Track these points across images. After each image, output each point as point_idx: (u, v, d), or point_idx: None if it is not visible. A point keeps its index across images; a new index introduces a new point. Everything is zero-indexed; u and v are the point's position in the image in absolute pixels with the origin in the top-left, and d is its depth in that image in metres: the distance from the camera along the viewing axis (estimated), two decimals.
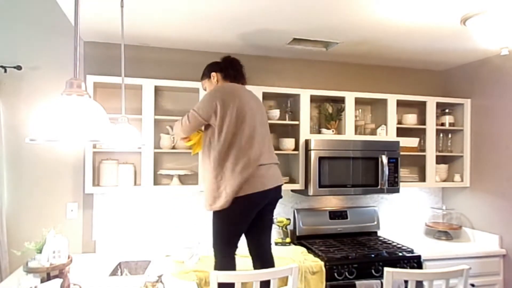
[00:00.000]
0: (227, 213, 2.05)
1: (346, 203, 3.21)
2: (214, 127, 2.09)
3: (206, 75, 2.34)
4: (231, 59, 2.34)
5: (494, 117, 2.96)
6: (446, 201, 3.39)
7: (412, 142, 3.11)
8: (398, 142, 2.91)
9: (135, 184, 2.64)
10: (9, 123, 2.47)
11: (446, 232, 3.15)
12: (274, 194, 2.16)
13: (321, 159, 2.71)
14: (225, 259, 2.09)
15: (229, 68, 2.30)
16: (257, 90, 2.71)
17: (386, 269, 1.82)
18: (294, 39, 2.61)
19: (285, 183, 2.82)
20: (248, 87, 2.70)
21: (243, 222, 2.10)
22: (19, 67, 2.48)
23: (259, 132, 2.15)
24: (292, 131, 2.96)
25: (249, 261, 2.25)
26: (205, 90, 2.37)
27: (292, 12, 2.13)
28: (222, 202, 2.03)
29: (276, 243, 2.89)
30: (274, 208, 2.24)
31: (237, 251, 2.15)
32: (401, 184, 2.94)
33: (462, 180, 3.16)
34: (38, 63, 2.54)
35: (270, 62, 3.06)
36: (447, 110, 3.23)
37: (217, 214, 2.08)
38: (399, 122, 3.10)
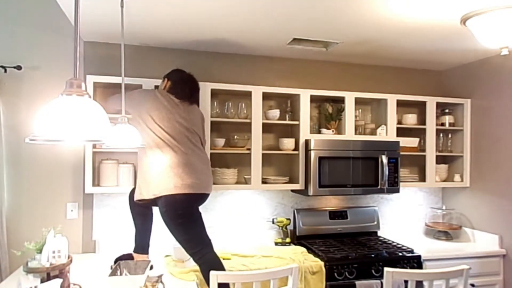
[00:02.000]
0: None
1: (346, 203, 3.21)
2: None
3: (163, 76, 2.35)
4: (188, 79, 2.32)
5: (494, 117, 2.96)
6: (446, 201, 3.39)
7: (412, 142, 3.11)
8: (398, 142, 2.91)
9: (135, 184, 2.63)
10: (9, 123, 2.47)
11: (446, 232, 3.15)
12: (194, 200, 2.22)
13: (321, 159, 2.71)
14: (207, 257, 2.09)
15: (178, 87, 2.27)
16: (257, 90, 2.71)
17: (386, 269, 1.82)
18: (294, 39, 2.61)
19: (285, 183, 2.83)
20: (248, 87, 2.71)
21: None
22: (19, 67, 2.48)
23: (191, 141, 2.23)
24: (292, 131, 2.96)
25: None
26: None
27: (292, 12, 2.13)
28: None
29: (276, 243, 2.90)
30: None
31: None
32: (401, 184, 2.94)
33: (462, 180, 3.16)
34: (38, 63, 2.54)
35: (270, 62, 3.06)
36: (447, 110, 3.23)
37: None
38: (399, 122, 3.10)
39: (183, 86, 2.27)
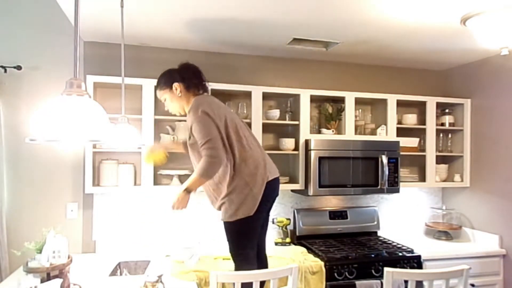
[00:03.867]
0: (249, 221, 2.04)
1: (346, 203, 3.20)
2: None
3: (166, 85, 2.16)
4: (192, 66, 2.20)
5: (494, 117, 2.96)
6: (446, 201, 3.39)
7: (412, 142, 3.11)
8: (398, 142, 2.91)
9: (135, 184, 2.63)
10: (9, 123, 2.47)
11: (446, 232, 3.15)
12: (277, 187, 2.19)
13: (321, 159, 2.71)
14: (245, 261, 2.06)
15: (192, 78, 2.16)
16: (257, 90, 2.71)
17: (386, 269, 1.82)
18: (294, 39, 2.60)
19: (285, 183, 2.83)
20: (248, 87, 2.71)
21: (259, 223, 2.13)
22: (19, 67, 2.48)
23: (250, 135, 2.19)
24: (292, 131, 2.96)
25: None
26: (163, 101, 2.22)
27: (292, 12, 2.13)
28: (249, 209, 2.02)
29: (276, 243, 2.89)
30: (271, 206, 2.24)
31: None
32: (401, 184, 2.94)
33: (462, 180, 3.16)
34: (38, 63, 2.54)
35: (270, 62, 3.06)
36: (447, 110, 3.23)
37: (235, 223, 2.05)
38: (399, 122, 3.10)
39: (195, 81, 2.17)
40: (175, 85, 2.14)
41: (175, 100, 2.17)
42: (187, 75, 2.16)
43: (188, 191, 2.01)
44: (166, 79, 2.18)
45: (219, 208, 2.12)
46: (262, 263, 2.21)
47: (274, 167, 2.20)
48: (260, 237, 2.21)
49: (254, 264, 2.06)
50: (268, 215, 2.25)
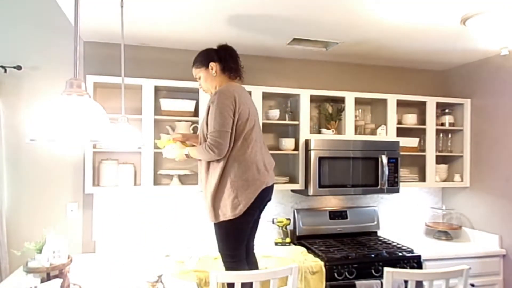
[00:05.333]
0: (238, 221, 2.02)
1: (346, 203, 3.20)
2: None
3: (202, 63, 2.15)
4: (230, 49, 2.18)
5: (494, 117, 2.96)
6: (446, 201, 3.39)
7: (412, 142, 3.11)
8: (398, 142, 2.91)
9: (135, 184, 2.63)
10: (9, 123, 2.47)
11: (446, 232, 3.15)
12: (271, 193, 2.17)
13: (321, 159, 2.71)
14: (235, 263, 2.06)
15: (229, 61, 2.13)
16: (257, 90, 2.71)
17: (386, 269, 1.82)
18: (294, 39, 2.61)
19: (285, 183, 2.83)
20: (248, 87, 2.70)
21: (248, 227, 2.11)
22: (19, 67, 2.48)
23: (260, 136, 2.17)
24: (292, 131, 2.96)
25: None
26: (198, 79, 2.21)
27: (292, 12, 2.13)
28: (237, 210, 1.99)
29: (276, 243, 2.89)
30: (263, 210, 2.23)
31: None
32: (401, 184, 2.94)
33: (462, 180, 3.16)
34: (38, 63, 2.54)
35: (270, 62, 3.06)
36: (447, 110, 3.23)
37: (225, 224, 2.04)
38: (399, 122, 3.10)
39: (232, 65, 2.15)
40: (211, 64, 2.13)
41: (209, 80, 2.16)
42: (224, 57, 2.14)
43: (187, 156, 2.16)
44: (203, 57, 2.17)
45: (208, 209, 2.10)
46: (252, 263, 2.19)
47: (272, 174, 2.18)
48: (250, 242, 2.21)
49: (243, 265, 2.06)
50: (259, 218, 2.23)
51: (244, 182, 2.00)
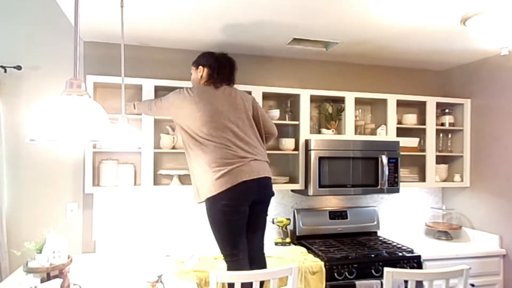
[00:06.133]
0: (217, 212, 2.05)
1: (346, 203, 3.21)
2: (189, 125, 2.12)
3: (196, 63, 2.29)
4: (229, 62, 2.26)
5: (494, 117, 2.96)
6: (446, 201, 3.39)
7: (412, 142, 3.11)
8: (398, 142, 2.91)
9: (135, 184, 2.64)
10: (9, 123, 2.47)
11: (446, 232, 3.15)
12: (263, 189, 2.14)
13: (321, 159, 2.71)
14: (233, 262, 2.07)
15: (220, 73, 2.21)
16: (257, 90, 2.71)
17: (386, 269, 1.82)
18: (294, 39, 2.61)
19: (285, 183, 2.83)
20: (248, 87, 2.71)
21: (235, 219, 2.08)
22: (19, 67, 2.48)
23: (235, 130, 2.14)
24: (292, 131, 2.96)
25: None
26: (190, 74, 2.34)
27: (292, 12, 2.13)
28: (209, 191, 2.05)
29: (276, 243, 2.89)
30: (266, 207, 2.23)
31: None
32: (401, 184, 2.94)
33: (462, 180, 3.16)
34: (38, 63, 2.54)
35: (270, 62, 3.06)
36: (447, 110, 3.23)
37: (211, 218, 2.09)
38: (399, 122, 3.10)
39: (222, 76, 2.22)
40: (200, 68, 2.26)
41: (195, 79, 2.30)
42: (217, 65, 2.22)
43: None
44: (199, 59, 2.30)
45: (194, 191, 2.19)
46: (258, 264, 2.18)
47: (259, 168, 2.14)
48: (253, 239, 2.20)
49: (243, 265, 2.06)
50: (260, 217, 2.22)
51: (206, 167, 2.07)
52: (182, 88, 2.21)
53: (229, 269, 2.06)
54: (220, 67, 2.22)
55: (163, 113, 2.29)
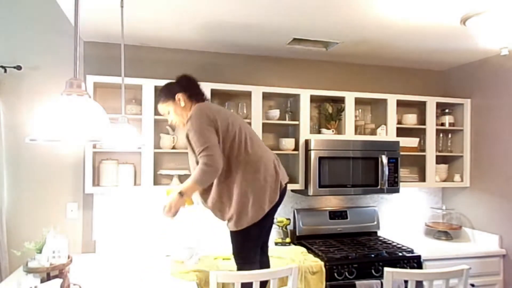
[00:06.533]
0: (254, 227, 2.03)
1: (346, 203, 3.20)
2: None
3: (168, 97, 2.14)
4: (189, 77, 2.21)
5: (494, 117, 2.96)
6: (446, 201, 3.39)
7: (412, 142, 3.11)
8: (398, 142, 2.91)
9: (135, 184, 2.64)
10: (9, 123, 2.47)
11: (446, 232, 3.15)
12: (284, 191, 2.18)
13: (321, 159, 2.71)
14: (248, 264, 2.05)
15: (192, 88, 2.17)
16: (257, 90, 2.71)
17: (386, 269, 1.82)
18: (294, 39, 2.61)
19: (285, 183, 2.82)
20: (248, 87, 2.71)
21: (261, 233, 2.13)
22: (19, 67, 2.48)
23: (256, 137, 2.17)
24: (292, 131, 2.96)
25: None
26: (167, 114, 2.19)
27: (292, 12, 2.13)
28: (252, 217, 2.00)
29: (276, 243, 2.89)
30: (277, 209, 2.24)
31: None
32: (401, 184, 2.94)
33: (462, 180, 3.16)
34: (38, 63, 2.54)
35: (270, 62, 3.06)
36: (447, 110, 3.23)
37: (239, 233, 2.04)
38: (399, 122, 3.10)
39: (196, 90, 2.18)
40: (178, 95, 2.13)
41: (178, 111, 2.15)
42: (188, 85, 2.17)
43: (181, 194, 1.97)
44: (167, 92, 2.16)
45: (226, 219, 2.09)
46: (264, 264, 2.20)
47: (284, 172, 2.19)
48: (265, 239, 2.22)
49: (255, 265, 2.06)
50: (273, 218, 2.25)
51: (257, 182, 2.01)
52: (191, 116, 2.04)
53: (241, 269, 2.04)
54: (188, 82, 2.17)
55: (215, 140, 1.99)
